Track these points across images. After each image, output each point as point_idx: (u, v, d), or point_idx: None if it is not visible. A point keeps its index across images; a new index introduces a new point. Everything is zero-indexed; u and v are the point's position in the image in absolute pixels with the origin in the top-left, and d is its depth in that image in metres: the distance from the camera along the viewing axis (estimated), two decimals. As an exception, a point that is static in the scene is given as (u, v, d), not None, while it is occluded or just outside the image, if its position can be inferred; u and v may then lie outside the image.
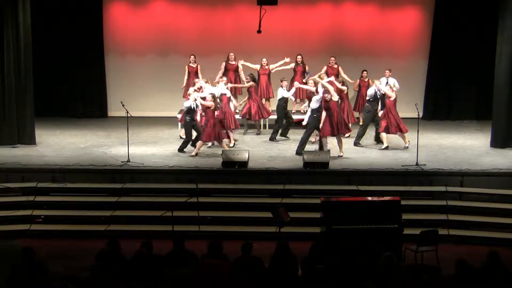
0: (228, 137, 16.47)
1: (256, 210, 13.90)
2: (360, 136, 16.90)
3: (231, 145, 16.58)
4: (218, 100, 16.42)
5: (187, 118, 15.99)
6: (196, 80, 17.26)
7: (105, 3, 20.01)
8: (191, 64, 18.45)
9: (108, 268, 8.93)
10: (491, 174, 14.61)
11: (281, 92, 17.18)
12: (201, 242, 10.03)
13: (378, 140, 16.98)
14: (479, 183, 14.41)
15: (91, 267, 8.96)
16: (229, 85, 17.35)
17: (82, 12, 19.51)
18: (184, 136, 16.49)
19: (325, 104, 15.62)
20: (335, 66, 18.40)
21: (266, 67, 18.29)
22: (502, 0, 16.24)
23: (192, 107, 15.91)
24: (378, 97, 16.71)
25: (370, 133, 17.44)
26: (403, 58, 19.82)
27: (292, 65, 18.39)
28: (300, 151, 15.73)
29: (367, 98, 16.94)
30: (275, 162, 15.40)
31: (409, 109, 17.78)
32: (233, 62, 18.42)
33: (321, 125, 15.66)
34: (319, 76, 17.02)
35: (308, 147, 15.96)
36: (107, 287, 8.69)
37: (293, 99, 18.25)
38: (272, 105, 18.38)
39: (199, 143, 15.87)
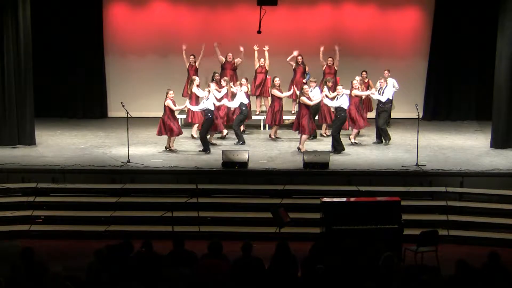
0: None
1: (256, 211, 13.89)
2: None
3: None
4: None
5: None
6: (194, 77, 17.31)
7: (105, 3, 20.00)
8: (191, 64, 18.41)
9: (107, 268, 8.93)
10: (491, 174, 14.60)
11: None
12: (201, 242, 10.03)
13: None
14: (479, 183, 14.39)
15: (88, 267, 8.96)
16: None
17: (82, 13, 19.50)
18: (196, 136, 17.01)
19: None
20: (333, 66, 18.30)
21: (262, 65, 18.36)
22: (502, 1, 16.24)
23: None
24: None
25: (371, 134, 17.46)
26: (403, 58, 19.79)
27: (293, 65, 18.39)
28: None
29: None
30: (275, 162, 15.40)
31: (409, 110, 17.79)
32: (230, 60, 18.46)
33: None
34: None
35: (306, 148, 16.00)
36: (107, 287, 8.70)
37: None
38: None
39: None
